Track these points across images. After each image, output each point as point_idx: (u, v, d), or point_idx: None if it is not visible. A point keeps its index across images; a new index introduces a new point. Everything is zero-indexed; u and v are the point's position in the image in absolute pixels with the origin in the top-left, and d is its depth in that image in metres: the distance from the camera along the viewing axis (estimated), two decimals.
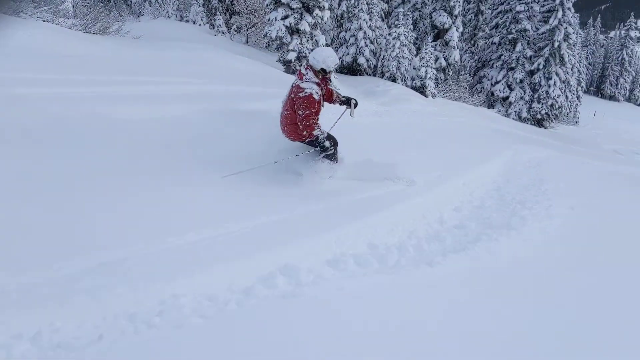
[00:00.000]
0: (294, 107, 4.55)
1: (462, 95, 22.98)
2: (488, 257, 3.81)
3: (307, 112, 4.45)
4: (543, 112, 24.38)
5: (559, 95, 25.00)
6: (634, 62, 66.67)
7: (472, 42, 28.50)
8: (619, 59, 61.84)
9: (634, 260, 4.24)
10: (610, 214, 5.65)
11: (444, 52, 22.30)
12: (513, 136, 12.90)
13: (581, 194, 6.15)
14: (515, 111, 24.33)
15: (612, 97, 63.07)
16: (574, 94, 34.19)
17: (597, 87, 64.24)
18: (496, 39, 25.53)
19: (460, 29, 22.92)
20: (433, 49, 20.39)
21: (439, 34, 22.65)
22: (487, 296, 3.20)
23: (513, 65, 24.59)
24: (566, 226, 4.96)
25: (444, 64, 22.09)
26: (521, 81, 24.57)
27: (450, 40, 22.18)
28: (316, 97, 4.47)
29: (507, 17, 24.98)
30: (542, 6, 24.91)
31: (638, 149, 26.83)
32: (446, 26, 22.03)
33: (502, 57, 25.20)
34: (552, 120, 25.64)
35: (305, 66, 4.66)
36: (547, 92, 24.33)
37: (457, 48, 22.69)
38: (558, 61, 24.52)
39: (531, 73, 24.68)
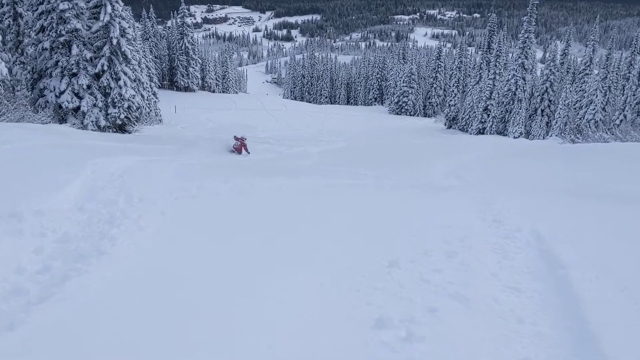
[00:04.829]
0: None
1: (24, 114, 21.60)
2: (81, 292, 3.88)
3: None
4: (122, 116, 25.38)
5: (134, 96, 26.47)
6: (198, 50, 76.46)
7: (20, 50, 26.91)
8: (183, 48, 69.73)
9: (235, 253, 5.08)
10: (202, 209, 6.52)
11: None
12: (93, 149, 13.05)
13: (169, 198, 6.84)
14: (92, 121, 24.48)
15: (187, 89, 70.88)
16: (149, 91, 36.77)
17: (171, 80, 70.96)
18: (47, 44, 24.80)
19: None
20: None
21: None
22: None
23: (74, 70, 24.51)
24: (160, 232, 5.49)
25: None
26: (89, 87, 24.79)
27: None
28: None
29: (53, 18, 24.53)
30: (88, 1, 25.55)
31: (227, 135, 31.21)
32: None
33: (60, 64, 24.74)
34: (134, 124, 27.00)
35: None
36: (121, 94, 25.38)
37: (2, 60, 21.02)
38: (122, 59, 25.79)
39: (97, 76, 25.20)
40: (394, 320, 3.75)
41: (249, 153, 19.13)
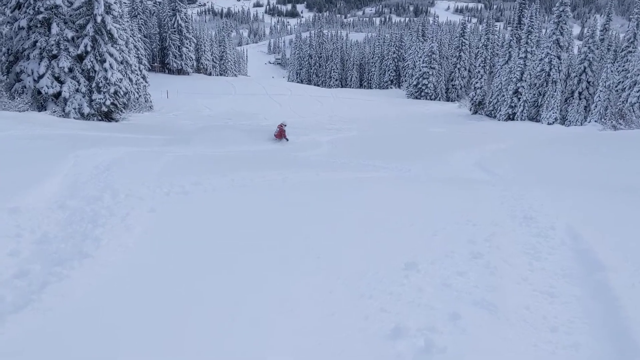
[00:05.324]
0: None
1: None
2: (61, 300, 3.90)
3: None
4: (108, 102, 25.48)
5: (121, 79, 26.57)
6: (192, 27, 76.49)
7: None
8: (175, 25, 69.77)
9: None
10: (193, 206, 6.54)
11: None
12: (76, 140, 13.13)
13: (160, 194, 6.86)
14: (74, 108, 24.59)
15: (180, 71, 70.97)
16: (137, 74, 36.90)
17: (162, 61, 71.08)
18: (24, 23, 24.88)
19: None
20: None
21: None
22: None
23: (55, 52, 24.61)
24: (150, 232, 5.51)
25: None
26: (71, 70, 24.90)
27: None
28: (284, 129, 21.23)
29: None
30: None
31: (220, 121, 31.28)
32: None
33: (39, 44, 24.85)
34: (121, 111, 27.11)
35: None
36: (106, 78, 25.48)
37: None
38: (107, 39, 25.86)
39: (80, 58, 25.29)
40: (411, 330, 3.74)
41: (287, 140, 20.84)
